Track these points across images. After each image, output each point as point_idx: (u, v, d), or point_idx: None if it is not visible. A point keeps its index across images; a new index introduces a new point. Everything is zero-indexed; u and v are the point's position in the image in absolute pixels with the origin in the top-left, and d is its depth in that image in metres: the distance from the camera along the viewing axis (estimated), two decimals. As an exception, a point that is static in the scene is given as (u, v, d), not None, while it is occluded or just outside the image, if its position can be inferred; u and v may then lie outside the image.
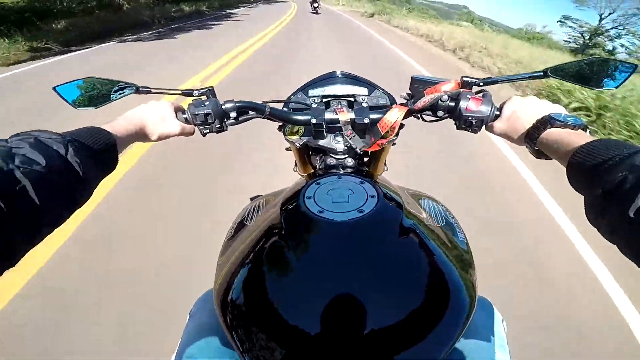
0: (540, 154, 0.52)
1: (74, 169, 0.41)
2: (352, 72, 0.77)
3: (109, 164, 0.50)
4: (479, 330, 0.56)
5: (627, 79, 0.59)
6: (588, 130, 0.49)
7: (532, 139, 0.51)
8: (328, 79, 0.76)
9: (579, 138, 0.44)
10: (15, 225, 0.33)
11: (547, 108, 0.53)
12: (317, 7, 17.36)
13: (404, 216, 0.49)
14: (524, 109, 0.55)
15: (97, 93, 0.65)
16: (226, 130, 0.66)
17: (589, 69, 0.62)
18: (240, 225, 0.63)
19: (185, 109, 0.64)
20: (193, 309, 0.68)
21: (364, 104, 0.71)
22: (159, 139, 0.62)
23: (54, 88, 0.61)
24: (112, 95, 0.65)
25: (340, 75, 0.76)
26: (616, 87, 0.61)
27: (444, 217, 0.63)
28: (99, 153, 0.47)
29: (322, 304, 0.39)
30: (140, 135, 0.59)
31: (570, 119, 0.49)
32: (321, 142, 0.70)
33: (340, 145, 0.70)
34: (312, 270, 0.43)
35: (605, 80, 0.61)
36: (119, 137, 0.52)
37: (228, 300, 0.45)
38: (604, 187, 0.34)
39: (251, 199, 0.81)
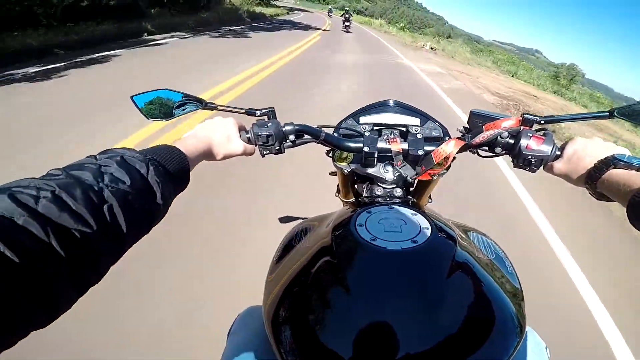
0: (601, 196, 0.51)
1: (153, 189, 0.42)
2: (404, 102, 0.78)
3: (182, 183, 0.50)
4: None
5: None
6: None
7: (593, 179, 0.50)
8: (380, 107, 0.77)
9: None
10: (102, 243, 0.35)
11: (611, 149, 0.52)
12: (349, 25, 18.76)
13: (457, 249, 0.49)
14: (587, 150, 0.53)
15: (168, 106, 0.67)
16: (283, 152, 0.67)
17: None
18: (288, 247, 0.63)
19: (249, 128, 0.66)
20: (233, 328, 0.68)
21: (419, 135, 0.70)
22: (223, 158, 0.63)
23: (131, 97, 0.64)
24: (181, 109, 0.67)
25: (393, 104, 0.77)
26: None
27: (493, 251, 0.62)
28: (175, 173, 0.48)
29: (370, 332, 0.39)
30: (207, 155, 0.60)
31: (635, 160, 0.48)
32: (370, 171, 0.71)
33: (389, 175, 0.70)
34: (363, 297, 0.43)
35: None
36: (189, 156, 0.52)
37: (280, 320, 0.46)
38: None
39: (280, 219, 0.83)
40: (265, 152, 0.66)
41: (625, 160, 0.48)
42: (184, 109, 0.67)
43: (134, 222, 0.39)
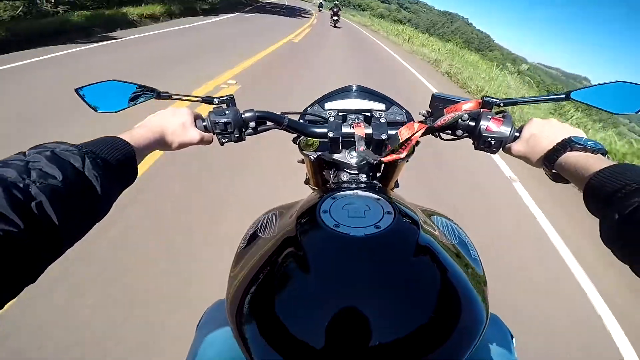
0: (557, 176, 0.52)
1: (90, 183, 0.40)
2: (369, 87, 0.77)
3: (127, 176, 0.48)
4: (489, 347, 0.57)
5: None
6: (608, 155, 0.49)
7: (551, 161, 0.51)
8: (345, 92, 0.76)
9: (598, 162, 0.44)
10: (35, 241, 0.33)
11: (567, 131, 0.54)
12: (337, 20, 17.52)
13: (421, 233, 0.49)
14: (544, 132, 0.54)
15: (118, 96, 0.64)
16: (244, 140, 0.66)
17: (611, 93, 0.61)
18: (253, 237, 0.62)
19: (205, 116, 0.64)
20: (201, 321, 0.68)
21: (382, 120, 0.70)
22: (178, 147, 0.61)
23: (76, 90, 0.61)
24: (132, 100, 0.65)
25: (357, 90, 0.76)
26: (636, 112, 0.60)
27: (457, 234, 0.63)
28: (117, 165, 0.45)
29: (337, 319, 0.39)
30: (160, 144, 0.58)
31: (590, 143, 0.49)
32: (336, 157, 0.70)
33: (354, 160, 0.70)
34: (327, 285, 0.43)
35: (627, 104, 0.60)
36: (137, 146, 0.50)
37: (242, 312, 0.45)
38: (620, 212, 0.35)
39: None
40: (223, 140, 0.65)
41: (581, 142, 0.49)
42: (135, 100, 0.65)
43: (70, 219, 0.37)
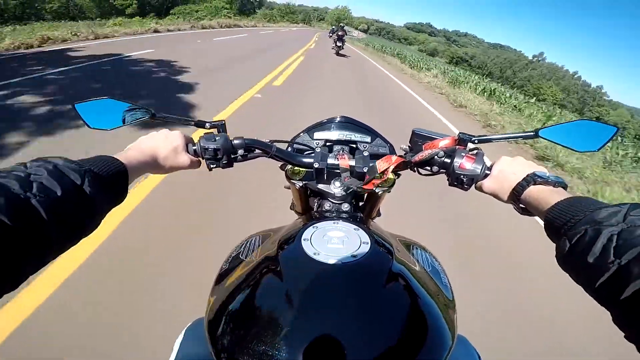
0: (525, 210, 0.55)
1: (87, 200, 0.41)
2: (356, 119, 0.80)
3: (118, 195, 0.49)
4: None
5: (608, 141, 0.62)
6: (567, 188, 0.52)
7: (517, 195, 0.54)
8: (332, 123, 0.79)
9: (556, 195, 0.48)
10: (25, 251, 0.34)
11: (532, 167, 0.57)
12: (341, 47, 13.84)
13: (394, 262, 0.52)
14: (511, 168, 0.58)
15: (113, 114, 0.64)
16: (232, 166, 0.66)
17: (575, 130, 0.64)
18: (235, 259, 0.64)
19: (196, 141, 0.65)
20: (180, 339, 0.67)
21: (365, 153, 0.72)
22: (168, 171, 0.62)
23: (73, 105, 0.62)
24: (127, 119, 0.65)
25: (344, 120, 0.79)
26: (597, 150, 0.63)
27: (430, 263, 0.66)
28: (112, 185, 0.46)
29: (310, 344, 0.40)
30: (151, 167, 0.58)
31: (552, 177, 0.52)
32: (320, 186, 0.73)
33: (338, 191, 0.72)
34: (303, 310, 0.44)
35: (589, 142, 0.63)
36: (130, 167, 0.51)
37: (220, 333, 0.46)
38: (570, 239, 0.40)
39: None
40: (212, 166, 0.65)
41: (544, 177, 0.52)
42: (130, 119, 0.65)
43: (62, 232, 0.38)
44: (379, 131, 0.80)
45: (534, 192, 0.52)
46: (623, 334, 0.33)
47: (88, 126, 0.64)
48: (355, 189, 0.71)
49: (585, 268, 0.37)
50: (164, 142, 0.60)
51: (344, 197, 0.72)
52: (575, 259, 0.39)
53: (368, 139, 0.78)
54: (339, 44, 13.68)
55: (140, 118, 0.66)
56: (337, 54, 13.92)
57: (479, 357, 0.66)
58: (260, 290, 0.50)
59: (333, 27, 16.89)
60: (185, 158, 0.62)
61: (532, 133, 0.64)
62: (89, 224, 0.43)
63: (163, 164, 0.60)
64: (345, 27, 16.11)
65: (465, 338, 0.68)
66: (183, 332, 0.68)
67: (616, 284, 0.33)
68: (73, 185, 0.40)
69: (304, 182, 0.75)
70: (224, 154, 0.64)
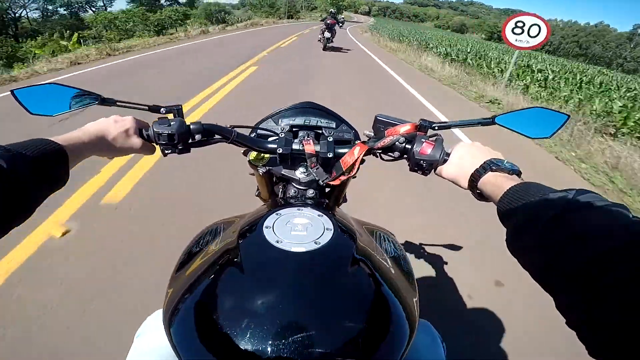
0: (481, 196, 0.56)
1: (14, 186, 0.39)
2: (321, 104, 0.79)
3: (56, 178, 0.47)
4: (420, 353, 0.60)
5: (560, 128, 0.65)
6: (522, 175, 0.53)
7: (474, 182, 0.55)
8: (298, 108, 0.78)
9: (509, 182, 0.49)
10: None
11: (489, 154, 0.58)
12: (330, 38, 10.81)
13: (356, 248, 0.52)
14: (468, 155, 0.58)
15: (58, 100, 0.60)
16: (189, 152, 0.64)
17: (529, 117, 0.65)
18: (195, 248, 0.62)
19: (150, 126, 0.62)
20: (140, 330, 0.66)
21: (330, 138, 0.72)
22: (118, 154, 0.60)
23: (11, 91, 0.57)
24: (72, 104, 0.61)
25: (309, 106, 0.78)
26: (549, 137, 0.66)
27: (393, 249, 0.67)
28: (46, 169, 0.44)
29: (271, 330, 0.40)
30: (98, 149, 0.56)
31: (507, 165, 0.53)
32: (285, 172, 0.72)
33: (303, 176, 0.72)
34: (263, 298, 0.44)
35: (542, 129, 0.66)
36: (71, 149, 0.49)
37: (178, 324, 0.46)
38: (516, 225, 0.41)
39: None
40: (167, 152, 0.63)
41: (499, 164, 0.54)
42: (77, 105, 0.61)
43: None
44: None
45: (489, 179, 0.53)
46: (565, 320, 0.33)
47: (29, 112, 0.59)
48: (321, 184, 0.70)
49: (529, 253, 0.38)
50: (114, 125, 0.58)
51: (309, 182, 0.72)
52: (520, 244, 0.40)
53: (333, 125, 0.77)
54: (327, 34, 10.58)
55: (89, 104, 0.62)
56: (325, 47, 10.83)
57: (442, 342, 0.67)
58: (219, 280, 0.49)
59: (325, 16, 11.60)
60: (136, 142, 0.60)
61: (489, 120, 0.65)
62: (19, 209, 0.40)
63: (111, 146, 0.58)
64: (339, 16, 12.98)
65: (428, 323, 0.69)
66: (144, 322, 0.67)
67: (558, 268, 0.33)
68: None
69: (267, 168, 0.74)
70: (180, 139, 0.61)
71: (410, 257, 1.69)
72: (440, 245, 1.99)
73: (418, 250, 1.94)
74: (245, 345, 0.39)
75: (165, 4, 43.77)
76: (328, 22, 10.55)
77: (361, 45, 14.98)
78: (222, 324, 0.42)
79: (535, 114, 0.65)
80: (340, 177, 0.67)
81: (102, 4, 44.07)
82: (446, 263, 1.88)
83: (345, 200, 0.92)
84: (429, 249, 1.96)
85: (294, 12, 47.60)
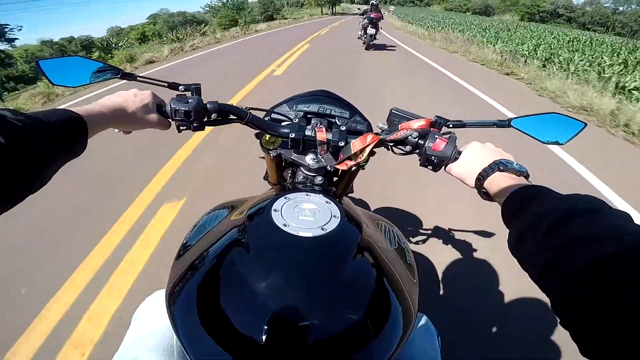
0: (487, 196, 0.56)
1: (33, 153, 0.39)
2: (337, 94, 0.79)
3: (73, 148, 0.47)
4: (416, 345, 0.61)
5: (575, 136, 0.64)
6: (530, 178, 0.53)
7: (481, 181, 0.55)
8: (313, 96, 0.78)
9: (517, 183, 0.49)
10: None
11: (499, 155, 0.58)
12: (374, 35, 8.46)
13: (362, 237, 0.53)
14: (479, 154, 0.58)
15: (80, 73, 0.61)
16: (203, 130, 0.65)
17: (546, 122, 0.65)
18: (200, 229, 0.63)
19: (167, 102, 0.63)
20: (138, 311, 0.67)
21: (342, 127, 0.72)
22: (135, 127, 0.61)
23: (36, 62, 0.59)
24: (93, 77, 0.62)
25: (325, 95, 0.78)
26: (563, 143, 0.64)
27: (397, 240, 0.67)
28: (65, 138, 0.45)
29: (271, 312, 0.41)
30: (116, 122, 0.57)
31: (516, 166, 0.53)
32: (295, 157, 0.73)
33: (312, 163, 0.72)
34: (267, 280, 0.45)
35: (557, 135, 0.64)
36: (91, 120, 0.50)
37: (181, 304, 0.46)
38: (517, 227, 0.41)
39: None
40: (182, 128, 0.64)
41: (507, 165, 0.54)
42: (97, 78, 0.62)
43: (3, 185, 0.36)
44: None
45: (496, 179, 0.53)
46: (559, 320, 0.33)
47: (51, 83, 0.61)
48: (328, 168, 0.71)
49: (531, 255, 0.38)
50: (133, 99, 0.60)
51: (318, 169, 0.73)
52: (523, 246, 0.40)
53: (347, 115, 0.77)
54: (370, 30, 8.29)
55: (109, 78, 0.63)
56: (367, 47, 8.76)
57: (438, 336, 0.68)
58: (225, 261, 0.49)
59: (366, 8, 8.96)
60: (153, 116, 0.62)
61: (505, 122, 0.65)
62: (34, 178, 0.41)
63: (129, 120, 0.59)
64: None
65: (425, 317, 0.70)
66: (142, 304, 0.68)
67: (555, 270, 0.34)
68: (17, 137, 0.38)
69: (278, 151, 0.75)
70: (195, 116, 0.62)
71: (413, 247, 1.73)
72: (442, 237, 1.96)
73: (423, 239, 1.93)
74: (244, 324, 0.40)
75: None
76: (372, 16, 8.14)
77: (395, 39, 11.84)
78: (223, 303, 0.43)
79: (552, 119, 0.64)
80: (346, 162, 0.67)
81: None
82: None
83: (352, 191, 0.93)
84: (432, 241, 1.92)
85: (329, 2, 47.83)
